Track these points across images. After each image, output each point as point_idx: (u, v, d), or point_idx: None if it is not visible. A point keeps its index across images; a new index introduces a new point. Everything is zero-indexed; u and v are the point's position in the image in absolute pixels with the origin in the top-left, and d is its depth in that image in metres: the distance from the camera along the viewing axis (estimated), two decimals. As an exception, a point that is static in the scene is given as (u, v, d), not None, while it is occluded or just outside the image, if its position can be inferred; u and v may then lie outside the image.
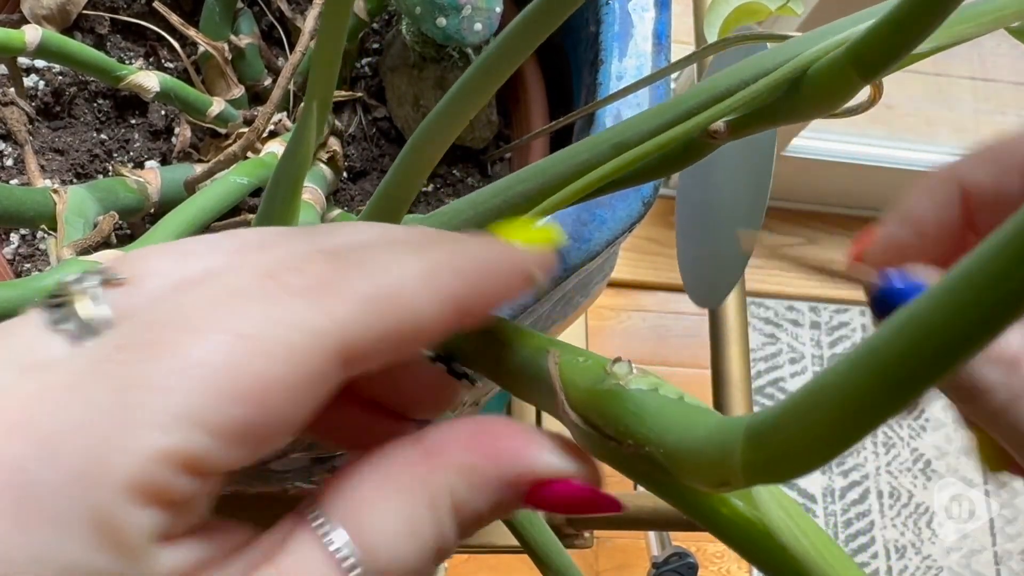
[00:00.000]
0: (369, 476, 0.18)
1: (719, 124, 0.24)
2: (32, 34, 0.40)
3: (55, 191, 0.37)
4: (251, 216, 0.36)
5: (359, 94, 0.50)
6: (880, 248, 0.27)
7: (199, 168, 0.44)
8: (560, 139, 0.46)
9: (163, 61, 0.50)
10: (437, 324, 0.18)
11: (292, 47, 0.49)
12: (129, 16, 0.49)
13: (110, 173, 0.45)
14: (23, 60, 0.48)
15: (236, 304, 0.16)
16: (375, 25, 0.52)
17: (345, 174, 0.49)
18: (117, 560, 0.15)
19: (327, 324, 0.16)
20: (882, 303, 0.24)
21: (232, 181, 0.41)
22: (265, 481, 0.47)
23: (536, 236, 0.21)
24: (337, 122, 0.49)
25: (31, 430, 0.15)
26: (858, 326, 1.31)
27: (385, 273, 0.18)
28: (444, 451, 0.18)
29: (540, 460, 0.19)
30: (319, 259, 0.18)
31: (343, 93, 0.49)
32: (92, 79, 0.48)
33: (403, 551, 0.17)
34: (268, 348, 0.16)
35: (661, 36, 0.42)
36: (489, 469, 0.18)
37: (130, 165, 0.47)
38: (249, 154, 0.44)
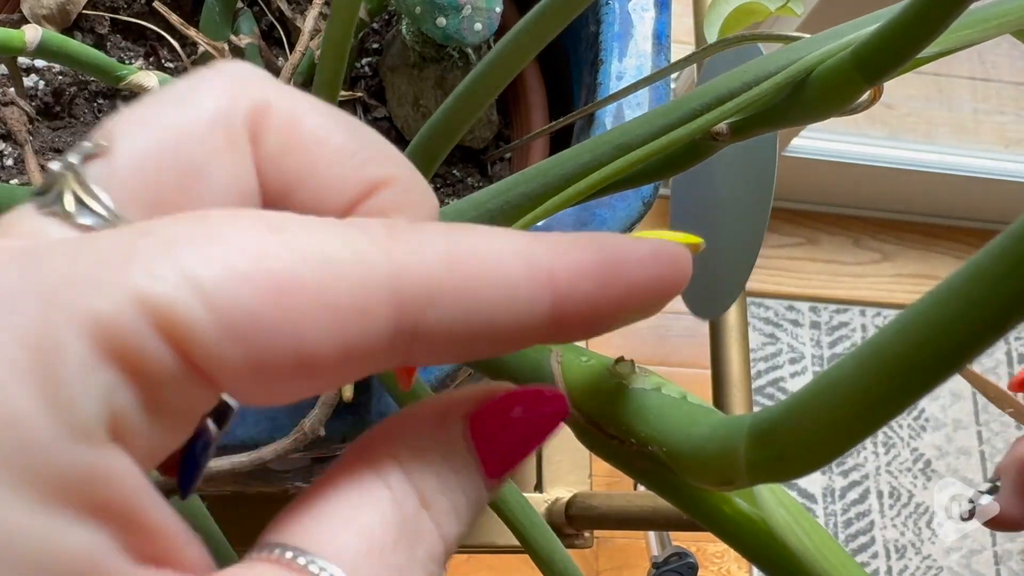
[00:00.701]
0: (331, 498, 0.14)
1: (722, 126, 0.25)
2: (32, 34, 0.40)
3: (56, 191, 0.37)
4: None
5: (359, 94, 0.50)
6: None
7: (199, 168, 0.43)
8: (560, 139, 0.46)
9: (163, 61, 0.50)
10: (533, 317, 0.14)
11: (292, 47, 0.49)
12: (129, 16, 0.49)
13: (110, 173, 0.45)
14: (23, 60, 0.48)
15: (275, 213, 0.14)
16: (375, 25, 0.52)
17: (345, 174, 0.49)
18: (46, 415, 0.11)
19: (380, 257, 0.13)
20: None
21: (233, 181, 0.41)
22: (265, 481, 0.47)
23: (674, 239, 0.17)
24: (337, 122, 0.49)
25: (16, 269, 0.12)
26: (858, 326, 1.31)
27: (468, 236, 0.14)
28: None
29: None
30: (390, 222, 0.15)
31: (343, 93, 0.49)
32: (92, 79, 0.48)
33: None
34: (304, 253, 0.13)
35: (661, 36, 0.42)
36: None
37: (130, 165, 0.47)
38: (249, 154, 0.44)
